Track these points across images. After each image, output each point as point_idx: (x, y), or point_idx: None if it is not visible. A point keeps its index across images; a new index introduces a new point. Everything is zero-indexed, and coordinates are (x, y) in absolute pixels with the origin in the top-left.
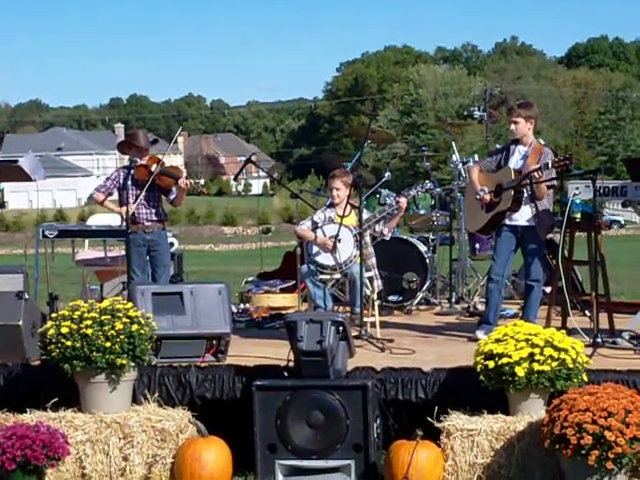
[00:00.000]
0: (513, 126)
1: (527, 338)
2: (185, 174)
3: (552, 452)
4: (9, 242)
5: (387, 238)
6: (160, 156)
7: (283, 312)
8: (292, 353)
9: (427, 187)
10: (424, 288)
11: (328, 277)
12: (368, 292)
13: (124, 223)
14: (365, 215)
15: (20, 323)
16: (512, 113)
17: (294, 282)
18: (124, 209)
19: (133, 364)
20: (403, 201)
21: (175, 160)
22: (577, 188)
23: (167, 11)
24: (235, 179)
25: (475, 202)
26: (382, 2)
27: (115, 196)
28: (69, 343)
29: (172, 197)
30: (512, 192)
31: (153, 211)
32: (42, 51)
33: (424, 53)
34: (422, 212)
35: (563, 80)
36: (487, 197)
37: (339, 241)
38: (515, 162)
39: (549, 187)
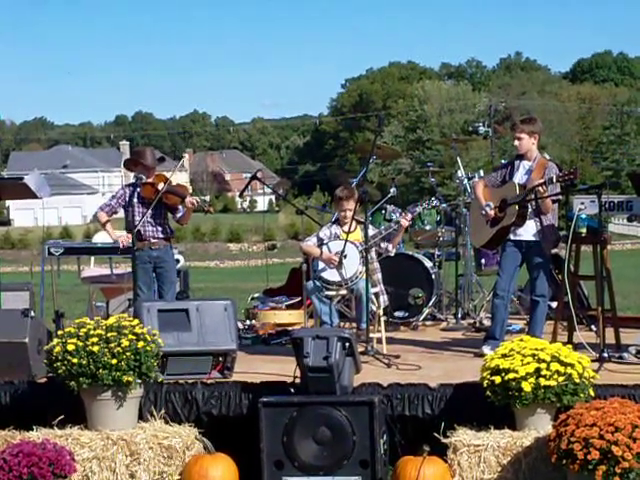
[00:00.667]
0: (517, 142)
1: (533, 353)
2: (190, 191)
3: (559, 467)
4: (15, 260)
5: (392, 254)
6: (167, 174)
7: (289, 328)
8: (298, 369)
9: (433, 204)
10: (430, 304)
11: (334, 293)
12: (374, 308)
13: (124, 245)
14: (371, 231)
15: (26, 340)
16: (515, 129)
17: (300, 298)
18: (121, 237)
19: (139, 381)
20: (407, 218)
21: (180, 177)
22: (582, 203)
23: (172, 29)
24: (241, 196)
25: (480, 217)
26: (386, 18)
27: (120, 214)
28: (75, 360)
29: (179, 215)
30: (517, 207)
31: (159, 228)
32: (47, 69)
33: (429, 69)
34: (428, 228)
35: (568, 95)
36: (492, 212)
37: (345, 257)
38: (520, 177)
39: (554, 202)
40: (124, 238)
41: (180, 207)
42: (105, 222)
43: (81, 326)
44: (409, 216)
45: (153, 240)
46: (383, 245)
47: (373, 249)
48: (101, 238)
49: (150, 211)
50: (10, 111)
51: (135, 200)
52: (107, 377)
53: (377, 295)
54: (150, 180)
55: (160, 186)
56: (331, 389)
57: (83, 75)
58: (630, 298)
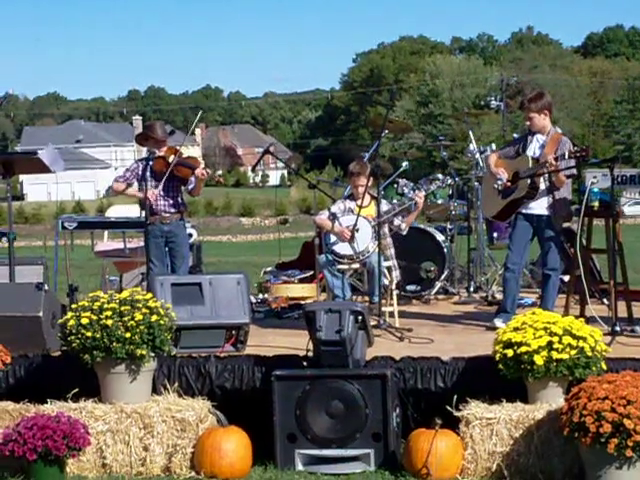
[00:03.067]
0: (528, 122)
1: (545, 327)
2: (203, 164)
3: (571, 440)
4: (28, 234)
5: (404, 233)
6: (177, 147)
7: (302, 302)
8: (311, 343)
9: (447, 182)
10: (442, 277)
11: (346, 267)
12: (386, 282)
13: (143, 213)
14: (385, 207)
15: (40, 314)
16: (524, 109)
17: (312, 272)
18: (150, 192)
19: (153, 354)
20: (420, 197)
21: (193, 152)
22: (595, 177)
23: (184, 3)
24: (253, 170)
25: (492, 189)
26: None
27: (135, 186)
28: (89, 334)
29: (190, 187)
30: (528, 180)
31: (171, 202)
32: (60, 44)
33: (440, 43)
34: (440, 202)
35: (579, 69)
36: (505, 184)
37: (357, 231)
38: (533, 150)
39: (568, 176)
40: (151, 193)
41: (192, 179)
42: (124, 189)
43: (95, 300)
44: (423, 193)
45: (165, 214)
46: (396, 222)
47: (386, 224)
48: (114, 212)
49: (162, 184)
50: (23, 86)
51: (148, 174)
52: (121, 350)
53: (389, 269)
54: (161, 154)
55: (171, 159)
56: (344, 362)
57: (96, 50)
58: None
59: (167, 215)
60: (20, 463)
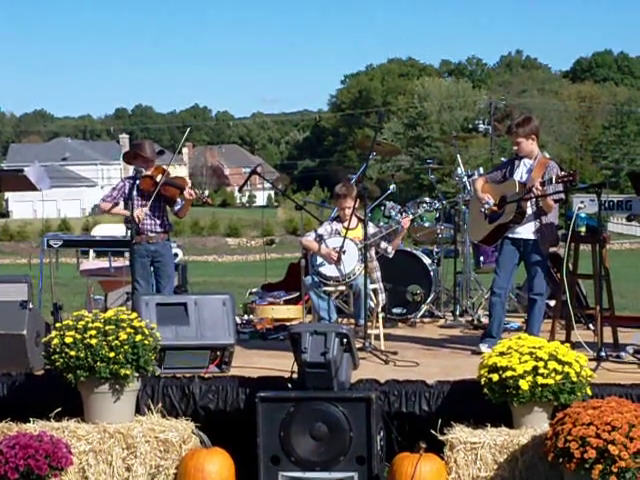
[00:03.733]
0: (515, 147)
1: (531, 351)
2: (190, 185)
3: (556, 466)
4: (13, 252)
5: (390, 256)
6: (165, 166)
7: (287, 323)
8: (296, 365)
9: (435, 206)
10: (428, 301)
11: (332, 289)
12: (372, 304)
13: (129, 233)
14: (372, 229)
15: (24, 332)
16: (512, 134)
17: (298, 294)
18: (138, 210)
19: (137, 374)
20: (406, 221)
21: (180, 171)
22: (582, 202)
23: (173, 22)
24: (240, 190)
25: (479, 213)
26: (386, 14)
27: (121, 206)
28: (73, 353)
29: (177, 208)
30: (515, 205)
31: (158, 222)
32: (47, 61)
33: (429, 66)
34: (426, 225)
35: (568, 94)
36: (491, 208)
37: (343, 253)
38: (520, 175)
39: (556, 201)
40: (139, 212)
41: (179, 199)
42: (110, 208)
43: (79, 319)
44: (408, 218)
45: (151, 234)
46: (383, 245)
47: (373, 247)
48: (100, 231)
49: (150, 204)
50: (10, 103)
51: (134, 193)
52: (104, 370)
53: (376, 291)
54: (149, 173)
55: (158, 178)
56: (328, 385)
57: (83, 68)
58: (628, 297)
59: (153, 235)
60: None
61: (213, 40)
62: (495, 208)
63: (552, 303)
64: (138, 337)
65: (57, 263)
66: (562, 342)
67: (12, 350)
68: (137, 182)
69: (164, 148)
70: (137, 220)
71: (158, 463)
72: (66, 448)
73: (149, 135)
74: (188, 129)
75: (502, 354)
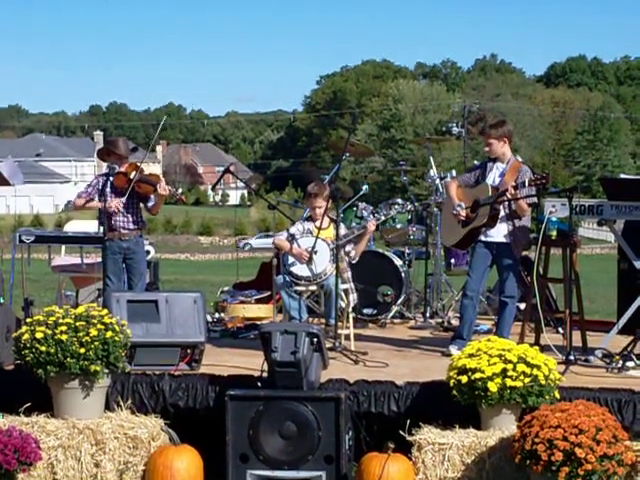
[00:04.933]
0: (487, 148)
1: (500, 354)
2: (163, 181)
3: (523, 468)
4: None
5: (354, 261)
6: (138, 163)
7: (258, 322)
8: (266, 363)
9: (407, 208)
10: (399, 302)
11: (303, 288)
12: (343, 304)
13: (101, 229)
14: (343, 230)
15: None
16: (484, 135)
17: (269, 293)
18: (116, 201)
19: (107, 371)
20: (371, 225)
21: (154, 169)
22: (553, 206)
23: (149, 21)
24: (213, 189)
25: (452, 217)
26: (362, 16)
27: (96, 202)
28: (43, 348)
29: (150, 205)
30: (488, 209)
31: (130, 219)
32: (23, 57)
33: (403, 68)
34: (398, 226)
35: (542, 99)
36: (463, 213)
37: (315, 253)
38: (493, 179)
39: (529, 205)
40: (116, 202)
41: (152, 196)
42: (85, 202)
43: (50, 314)
44: (373, 222)
45: (123, 231)
46: (347, 248)
47: (343, 248)
48: (72, 227)
49: (124, 200)
50: None
51: (108, 190)
52: (75, 366)
53: (347, 292)
54: (123, 170)
55: (132, 175)
56: (298, 384)
57: (59, 64)
58: (598, 302)
59: (126, 232)
60: None
61: (188, 39)
62: (467, 212)
63: (522, 306)
64: (109, 333)
65: (29, 259)
66: (531, 345)
67: None
68: (111, 179)
69: (138, 145)
70: (115, 210)
71: (127, 459)
72: (35, 443)
73: (123, 133)
74: (165, 117)
75: (471, 356)
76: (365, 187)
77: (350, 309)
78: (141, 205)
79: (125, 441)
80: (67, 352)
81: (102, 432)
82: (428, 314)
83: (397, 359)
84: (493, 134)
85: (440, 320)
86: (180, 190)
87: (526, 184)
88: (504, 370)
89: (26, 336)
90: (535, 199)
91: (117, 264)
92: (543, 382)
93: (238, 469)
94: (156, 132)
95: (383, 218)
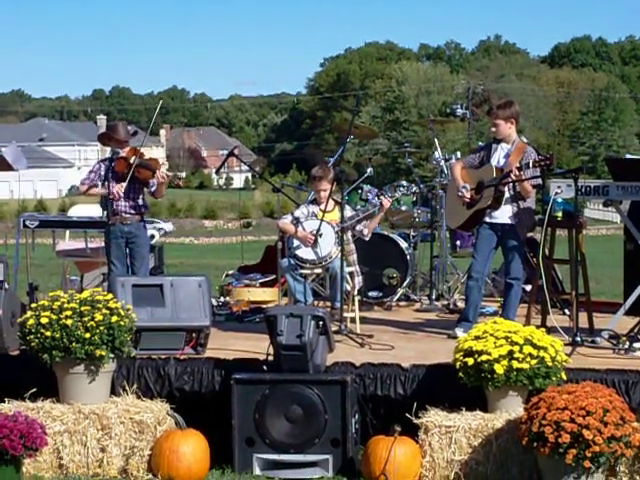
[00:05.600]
0: (494, 129)
1: (507, 336)
2: (167, 166)
3: (530, 450)
4: None
5: (366, 239)
6: (139, 147)
7: (263, 306)
8: (272, 347)
9: (412, 190)
10: (404, 284)
11: (308, 272)
12: (348, 287)
13: (105, 214)
14: (349, 213)
15: None
16: (491, 115)
17: (274, 276)
18: (118, 186)
19: (112, 355)
20: (386, 202)
21: (157, 153)
22: (559, 187)
23: (151, 4)
24: (217, 172)
25: (457, 198)
26: None
27: (99, 188)
28: (48, 333)
29: (153, 189)
30: (493, 190)
31: (132, 203)
32: (25, 41)
33: (407, 50)
34: (403, 208)
35: (546, 79)
36: (468, 195)
37: (320, 236)
38: (497, 160)
39: (534, 186)
40: (119, 187)
41: (153, 181)
42: (87, 189)
43: (55, 299)
44: (388, 199)
45: (125, 215)
46: (358, 228)
47: (349, 231)
48: (76, 211)
49: (125, 185)
50: None
51: (110, 175)
52: (80, 351)
53: (352, 275)
54: (123, 154)
55: (132, 160)
56: (304, 367)
57: (61, 48)
58: (604, 283)
59: (128, 216)
60: None
61: (191, 21)
62: (472, 193)
63: (528, 288)
64: (114, 318)
65: (33, 243)
66: (538, 327)
67: None
68: (113, 164)
69: (138, 129)
70: (117, 196)
71: (133, 444)
72: (41, 429)
73: (126, 116)
74: (160, 101)
75: (477, 338)
76: (370, 169)
77: (355, 292)
78: (144, 189)
79: (131, 426)
80: (72, 337)
81: (108, 417)
82: (434, 296)
83: (403, 342)
84: (501, 115)
85: (446, 302)
86: (184, 174)
87: (530, 165)
88: (510, 352)
89: (31, 321)
90: (539, 180)
91: (120, 248)
92: (550, 364)
93: (244, 453)
94: (160, 117)
95: (397, 195)
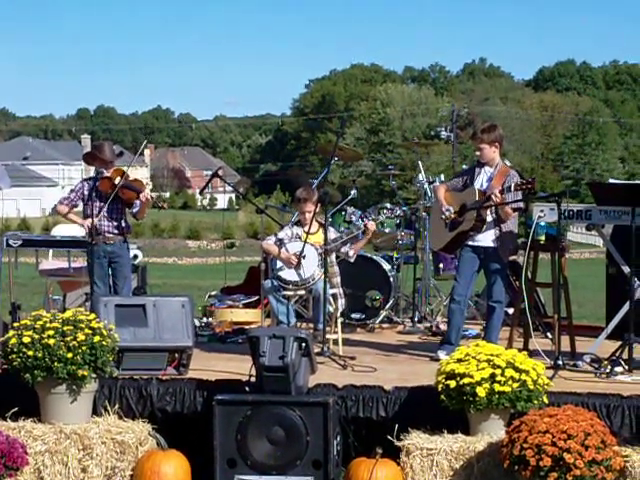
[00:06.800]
0: (478, 152)
1: (489, 359)
2: (150, 187)
3: (511, 473)
4: None
5: (351, 260)
6: (125, 168)
7: (246, 327)
8: (254, 368)
9: (396, 212)
10: (387, 306)
11: (291, 293)
12: (331, 309)
13: (88, 234)
14: (333, 235)
15: None
16: (476, 139)
17: (257, 297)
18: (87, 221)
19: (94, 375)
20: (371, 225)
21: (141, 173)
22: (542, 210)
23: (137, 24)
24: (201, 193)
25: (440, 220)
26: (351, 20)
27: (80, 207)
28: (30, 353)
29: (135, 210)
30: (475, 213)
31: (115, 224)
32: (9, 59)
33: (392, 72)
34: (387, 231)
35: (530, 103)
36: (452, 216)
37: (303, 258)
38: (481, 183)
39: (515, 209)
40: (88, 222)
41: (137, 202)
42: (67, 212)
43: (37, 319)
44: (372, 223)
45: (108, 235)
46: (344, 250)
47: (333, 253)
48: (60, 231)
49: (107, 206)
50: None
51: (93, 194)
52: (62, 370)
53: (335, 296)
54: (108, 174)
55: (117, 180)
56: (286, 389)
57: (46, 67)
58: (586, 307)
59: (110, 236)
60: None
61: (177, 41)
62: (455, 216)
63: (510, 311)
64: (96, 338)
65: (16, 262)
66: (520, 350)
67: None
68: (97, 183)
69: (123, 149)
70: (85, 229)
71: (114, 464)
72: (22, 448)
73: (111, 136)
74: (144, 142)
75: (460, 361)
76: (354, 192)
77: (338, 314)
78: (126, 210)
79: (112, 446)
80: (54, 356)
81: (89, 437)
82: (416, 319)
83: (385, 364)
84: (485, 139)
85: (428, 325)
86: (167, 195)
87: (512, 189)
88: (492, 375)
89: (13, 340)
90: (521, 204)
91: (103, 268)
92: (531, 387)
93: (226, 474)
94: (144, 137)
95: (382, 218)
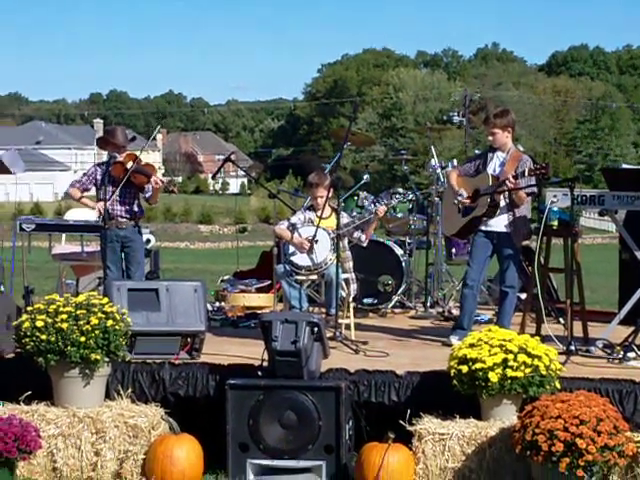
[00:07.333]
0: (491, 137)
1: (501, 344)
2: (162, 172)
3: (523, 458)
4: None
5: (364, 245)
6: (137, 153)
7: (258, 312)
8: (266, 353)
9: (409, 197)
10: (399, 291)
11: (304, 278)
12: (344, 294)
13: (101, 218)
14: (345, 219)
15: None
16: (488, 124)
17: (270, 282)
18: (100, 204)
19: (107, 359)
20: (381, 210)
21: (153, 157)
22: (555, 196)
23: (149, 8)
24: (213, 177)
25: (453, 206)
26: (363, 5)
27: (93, 192)
28: (44, 337)
29: (147, 195)
30: (488, 198)
31: (127, 208)
32: (23, 44)
33: (404, 57)
34: (399, 215)
35: (543, 88)
36: (465, 201)
37: (316, 242)
38: (493, 168)
39: (528, 194)
40: (100, 205)
41: (148, 186)
42: (79, 196)
43: (50, 303)
44: (383, 207)
45: (120, 219)
46: (356, 235)
47: (345, 237)
48: (73, 215)
49: (118, 190)
50: None
51: (106, 179)
52: (75, 354)
53: (347, 281)
54: (120, 159)
55: (129, 165)
56: (298, 373)
57: (59, 51)
58: (599, 292)
59: (123, 220)
60: None
61: (189, 26)
62: (468, 201)
63: (523, 296)
64: (109, 322)
65: (29, 247)
66: (532, 335)
67: None
68: (109, 168)
69: (136, 134)
70: (98, 212)
71: (127, 448)
72: (35, 432)
73: (123, 120)
74: (157, 127)
75: (472, 346)
76: (366, 176)
77: (351, 299)
78: (139, 195)
79: (125, 430)
80: (67, 340)
81: (102, 421)
82: (429, 304)
83: (397, 349)
84: (498, 123)
85: (441, 310)
86: (180, 179)
87: (526, 174)
88: (505, 360)
89: (26, 324)
90: (535, 189)
91: (115, 252)
92: (544, 372)
93: (238, 458)
94: (156, 121)
95: (394, 203)
